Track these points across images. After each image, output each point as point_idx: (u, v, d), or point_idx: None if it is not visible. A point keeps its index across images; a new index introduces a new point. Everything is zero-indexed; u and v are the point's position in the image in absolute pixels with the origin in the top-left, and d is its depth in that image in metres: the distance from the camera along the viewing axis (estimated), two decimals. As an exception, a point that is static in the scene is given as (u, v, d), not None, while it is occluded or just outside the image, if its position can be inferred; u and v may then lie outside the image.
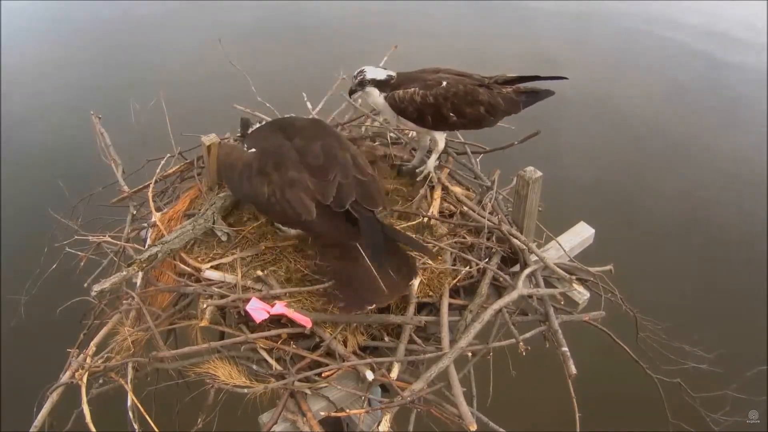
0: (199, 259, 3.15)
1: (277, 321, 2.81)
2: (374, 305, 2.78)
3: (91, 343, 3.02)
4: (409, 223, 3.28)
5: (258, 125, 3.40)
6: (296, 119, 3.38)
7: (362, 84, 3.44)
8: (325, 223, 2.84)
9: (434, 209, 3.39)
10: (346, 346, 2.84)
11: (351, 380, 2.83)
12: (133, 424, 2.74)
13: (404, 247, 2.93)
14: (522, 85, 3.48)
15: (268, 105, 4.37)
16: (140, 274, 3.05)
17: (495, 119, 3.46)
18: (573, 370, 2.80)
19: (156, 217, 3.42)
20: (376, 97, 3.45)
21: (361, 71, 3.44)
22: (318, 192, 2.87)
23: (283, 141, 3.08)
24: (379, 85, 3.41)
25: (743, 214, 8.10)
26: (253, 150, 3.09)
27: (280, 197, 2.87)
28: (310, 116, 4.17)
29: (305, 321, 2.76)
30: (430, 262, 3.07)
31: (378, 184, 3.10)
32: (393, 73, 3.44)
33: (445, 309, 2.92)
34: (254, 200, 3.08)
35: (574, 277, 3.23)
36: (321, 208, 2.84)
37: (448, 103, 3.31)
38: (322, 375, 2.75)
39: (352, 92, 3.55)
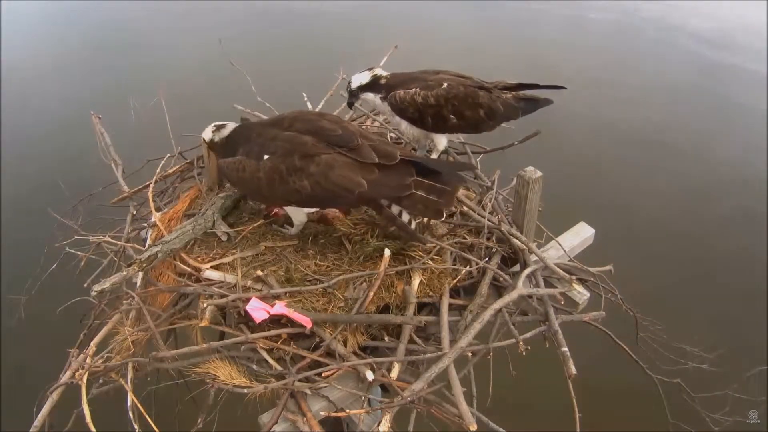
0: (199, 259, 3.14)
1: (277, 321, 2.81)
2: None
3: (91, 343, 3.01)
4: (409, 223, 3.26)
5: (229, 131, 3.22)
6: (277, 116, 3.26)
7: (353, 95, 3.45)
8: (377, 187, 2.85)
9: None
10: (346, 346, 2.84)
11: (351, 380, 2.83)
12: (133, 424, 2.74)
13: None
14: (521, 92, 3.48)
15: (268, 105, 4.37)
16: (140, 274, 3.05)
17: (494, 124, 3.45)
18: (573, 370, 2.80)
19: (156, 217, 3.41)
20: (374, 98, 3.44)
21: (348, 83, 3.45)
22: (360, 157, 2.86)
23: (286, 133, 2.99)
24: (371, 87, 3.40)
25: (743, 214, 8.10)
26: (267, 156, 2.96)
27: (326, 183, 2.85)
28: None
29: (305, 321, 2.76)
30: (429, 262, 3.07)
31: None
32: (382, 73, 3.41)
33: (445, 309, 2.93)
34: (297, 198, 2.99)
35: (574, 277, 3.23)
36: (369, 174, 2.85)
37: (449, 105, 3.30)
38: (322, 375, 2.75)
39: (350, 104, 3.62)
